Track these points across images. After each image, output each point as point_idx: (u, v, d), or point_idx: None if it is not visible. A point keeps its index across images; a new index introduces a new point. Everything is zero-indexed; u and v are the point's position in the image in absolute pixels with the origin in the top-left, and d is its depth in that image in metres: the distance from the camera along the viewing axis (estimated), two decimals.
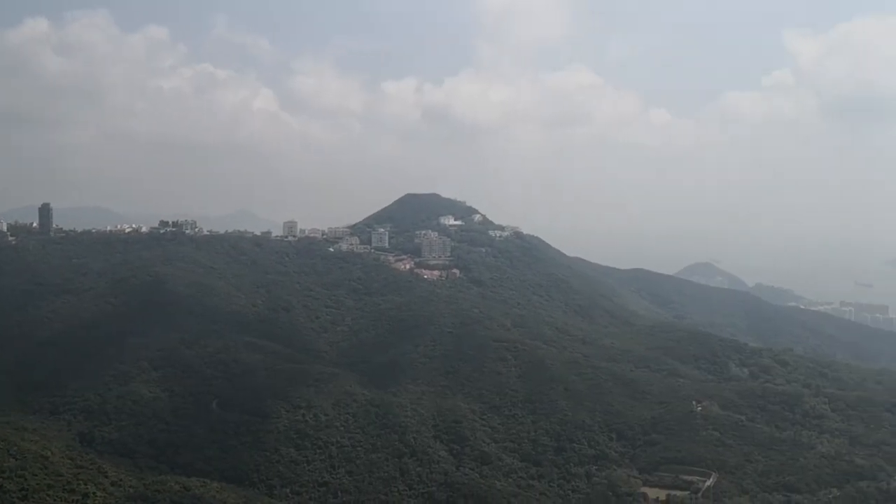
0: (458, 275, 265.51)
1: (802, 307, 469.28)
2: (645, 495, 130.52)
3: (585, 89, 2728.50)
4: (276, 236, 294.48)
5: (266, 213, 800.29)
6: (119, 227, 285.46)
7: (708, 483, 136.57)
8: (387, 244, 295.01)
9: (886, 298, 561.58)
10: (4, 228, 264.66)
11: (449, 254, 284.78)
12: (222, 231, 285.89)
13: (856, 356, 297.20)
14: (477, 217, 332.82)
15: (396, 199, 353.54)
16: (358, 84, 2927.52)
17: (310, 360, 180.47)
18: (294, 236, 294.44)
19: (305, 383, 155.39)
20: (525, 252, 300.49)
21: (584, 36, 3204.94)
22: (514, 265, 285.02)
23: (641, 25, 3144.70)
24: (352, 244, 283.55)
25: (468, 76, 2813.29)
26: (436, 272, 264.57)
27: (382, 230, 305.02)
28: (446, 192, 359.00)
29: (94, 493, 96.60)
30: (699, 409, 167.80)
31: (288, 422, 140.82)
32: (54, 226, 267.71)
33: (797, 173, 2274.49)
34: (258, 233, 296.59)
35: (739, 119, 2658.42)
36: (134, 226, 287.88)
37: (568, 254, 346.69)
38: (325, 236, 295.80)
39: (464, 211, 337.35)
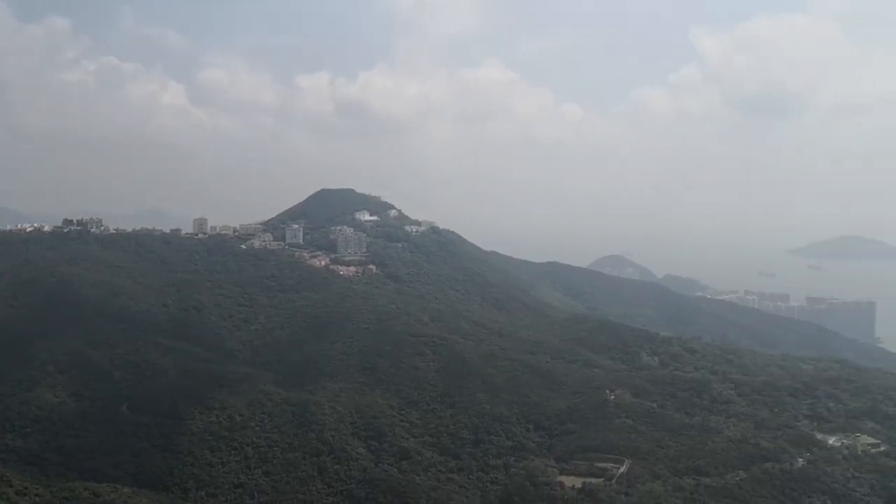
0: (374, 271, 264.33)
1: (709, 297, 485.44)
2: (561, 484, 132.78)
3: (500, 85, 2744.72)
4: (186, 234, 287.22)
5: (177, 211, 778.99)
6: (20, 226, 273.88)
7: (621, 469, 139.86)
8: (301, 240, 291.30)
9: (788, 287, 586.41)
10: None
11: (365, 249, 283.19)
12: (130, 229, 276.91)
13: (759, 343, 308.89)
14: (393, 212, 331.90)
15: (311, 194, 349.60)
16: (270, 78, 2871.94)
17: (223, 359, 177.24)
18: (205, 233, 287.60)
19: (219, 384, 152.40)
20: (442, 247, 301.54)
21: (497, 31, 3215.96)
22: (431, 260, 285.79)
23: (553, 20, 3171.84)
24: (265, 241, 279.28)
25: (383, 70, 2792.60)
26: (352, 268, 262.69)
27: (296, 226, 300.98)
28: (362, 188, 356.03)
29: None
30: (612, 397, 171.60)
31: (201, 423, 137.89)
32: None
33: (705, 167, 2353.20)
34: (167, 230, 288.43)
35: (649, 115, 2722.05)
36: (36, 225, 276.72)
37: (484, 248, 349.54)
38: (237, 233, 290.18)
39: (379, 206, 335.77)
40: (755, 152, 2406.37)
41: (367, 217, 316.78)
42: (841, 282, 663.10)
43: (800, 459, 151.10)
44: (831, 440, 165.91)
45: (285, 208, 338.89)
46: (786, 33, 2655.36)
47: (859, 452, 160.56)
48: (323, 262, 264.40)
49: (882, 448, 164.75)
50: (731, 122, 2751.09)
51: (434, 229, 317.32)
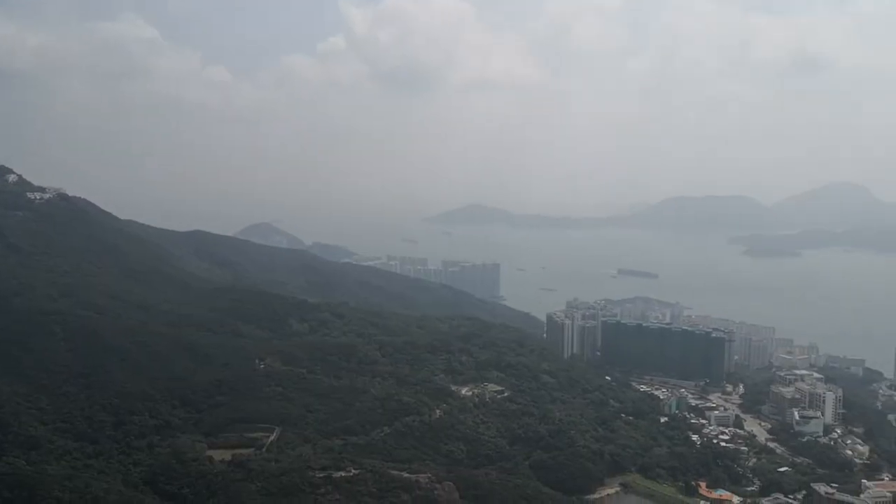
0: None
1: (355, 263, 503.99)
2: (211, 458, 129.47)
3: (141, 42, 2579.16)
4: None
5: None
6: None
7: (272, 437, 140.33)
8: None
9: (426, 252, 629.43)
10: None
11: None
12: None
13: (402, 305, 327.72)
14: (12, 177, 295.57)
15: None
16: None
17: None
18: None
19: None
20: (72, 216, 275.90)
21: None
22: (60, 230, 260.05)
23: None
24: None
25: None
26: None
27: None
28: None
29: None
30: (262, 366, 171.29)
31: None
32: None
33: (352, 138, 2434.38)
34: None
35: (300, 83, 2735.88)
36: None
37: (121, 216, 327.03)
38: None
39: None
40: (396, 124, 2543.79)
41: None
42: (470, 246, 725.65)
43: (437, 410, 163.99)
44: (464, 390, 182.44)
45: None
46: (426, 10, 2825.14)
47: (487, 400, 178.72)
48: None
49: (506, 394, 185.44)
50: (375, 93, 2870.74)
51: (62, 196, 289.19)
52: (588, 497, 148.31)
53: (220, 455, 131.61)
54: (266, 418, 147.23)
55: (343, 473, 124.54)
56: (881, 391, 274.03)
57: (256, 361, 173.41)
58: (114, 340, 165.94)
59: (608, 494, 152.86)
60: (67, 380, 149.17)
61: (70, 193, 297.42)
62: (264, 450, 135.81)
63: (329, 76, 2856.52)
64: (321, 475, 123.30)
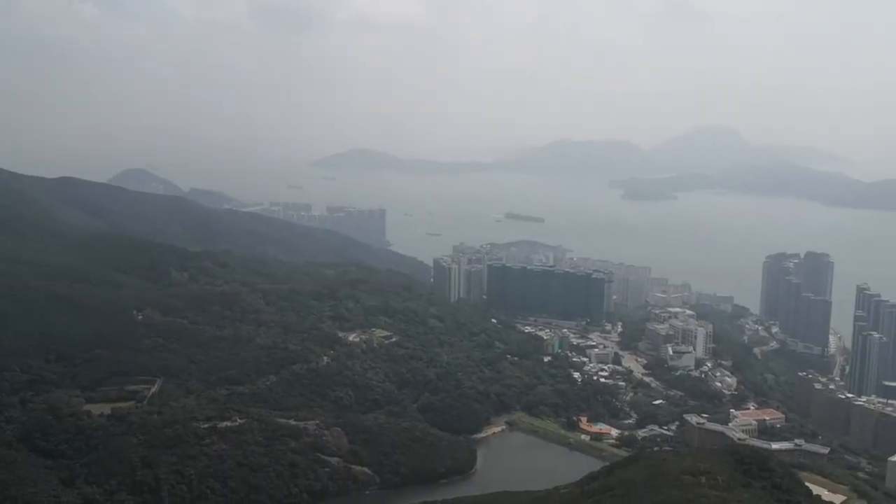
0: None
1: (236, 209, 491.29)
2: (89, 412, 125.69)
3: None
4: None
5: None
6: None
7: (153, 390, 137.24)
8: None
9: (311, 198, 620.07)
10: None
11: None
12: None
13: (286, 252, 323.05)
14: None
15: None
16: None
17: None
18: None
19: None
20: None
21: None
22: None
23: None
24: None
25: None
26: None
27: None
28: None
29: None
30: (141, 317, 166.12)
31: None
32: None
33: (230, 76, 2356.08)
34: None
35: (175, 20, 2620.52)
36: None
37: None
38: None
39: None
40: (279, 65, 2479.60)
41: None
42: (355, 191, 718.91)
43: (325, 357, 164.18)
44: (351, 337, 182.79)
45: None
46: None
47: (375, 345, 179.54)
48: None
49: (394, 339, 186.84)
50: (257, 32, 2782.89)
51: None
52: (475, 436, 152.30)
53: (98, 409, 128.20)
54: (147, 370, 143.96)
55: (229, 423, 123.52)
56: (748, 326, 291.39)
57: (135, 313, 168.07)
58: None
59: (494, 433, 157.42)
60: None
61: None
62: (145, 402, 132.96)
63: (206, 13, 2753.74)
64: (206, 426, 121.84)
